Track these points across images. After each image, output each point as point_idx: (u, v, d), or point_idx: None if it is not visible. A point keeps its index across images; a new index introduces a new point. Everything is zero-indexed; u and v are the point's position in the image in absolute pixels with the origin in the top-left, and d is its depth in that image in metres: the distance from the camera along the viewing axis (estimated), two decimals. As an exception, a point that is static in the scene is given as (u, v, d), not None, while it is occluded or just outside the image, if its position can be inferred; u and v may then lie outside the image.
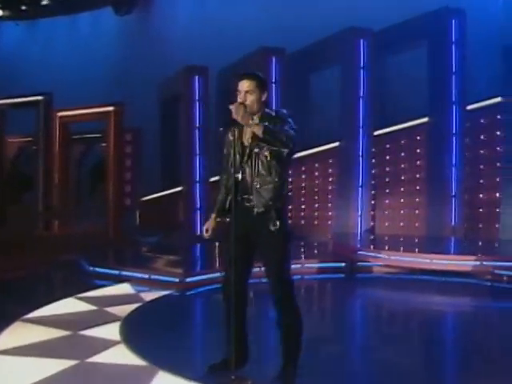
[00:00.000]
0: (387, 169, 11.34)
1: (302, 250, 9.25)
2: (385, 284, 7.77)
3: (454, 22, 10.08)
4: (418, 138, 11.00)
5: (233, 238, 3.47)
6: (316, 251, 9.45)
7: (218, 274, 7.01)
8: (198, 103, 11.78)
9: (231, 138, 3.66)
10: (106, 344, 4.64)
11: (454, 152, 10.24)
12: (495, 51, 9.66)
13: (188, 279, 7.18)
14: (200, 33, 14.89)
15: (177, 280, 7.12)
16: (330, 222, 11.52)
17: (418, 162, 11.02)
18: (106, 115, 11.87)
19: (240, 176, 3.57)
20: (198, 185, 11.85)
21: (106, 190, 11.92)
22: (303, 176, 12.04)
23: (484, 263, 7.62)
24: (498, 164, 10.08)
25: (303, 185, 12.02)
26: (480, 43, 10.12)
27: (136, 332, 5.06)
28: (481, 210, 10.37)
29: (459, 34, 10.09)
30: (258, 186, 3.56)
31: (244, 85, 3.58)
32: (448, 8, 10.01)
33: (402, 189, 11.20)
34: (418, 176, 11.02)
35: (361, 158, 10.74)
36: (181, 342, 4.81)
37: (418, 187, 11.00)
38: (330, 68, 11.44)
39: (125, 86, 15.37)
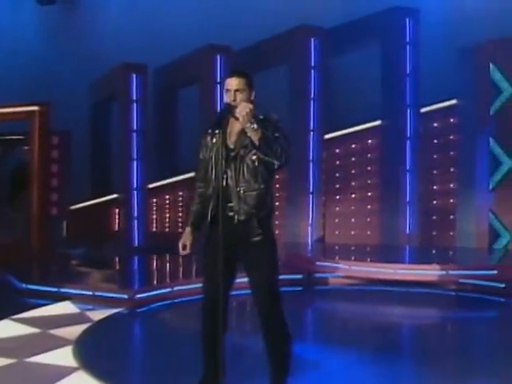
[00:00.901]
0: (337, 174, 11.35)
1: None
2: (345, 296, 7.76)
3: (408, 21, 10.18)
4: (370, 141, 11.07)
5: (220, 250, 3.34)
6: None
7: (168, 290, 6.99)
8: (135, 104, 11.40)
9: (214, 140, 3.58)
10: (62, 371, 4.32)
11: (407, 156, 10.34)
12: (450, 53, 9.71)
13: (138, 295, 6.87)
14: (134, 26, 14.41)
15: (125, 297, 6.80)
16: (278, 232, 11.16)
17: (369, 168, 11.10)
18: (30, 115, 11.31)
19: (221, 182, 3.48)
20: (135, 192, 11.46)
21: (29, 198, 11.33)
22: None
23: (450, 272, 7.69)
24: (452, 169, 10.21)
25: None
26: (435, 44, 10.23)
27: (93, 356, 4.79)
28: (435, 217, 10.51)
29: (413, 34, 10.19)
30: (242, 192, 3.50)
31: (233, 82, 3.53)
32: (402, 7, 10.13)
33: (352, 195, 11.25)
34: (369, 182, 11.09)
35: (311, 163, 10.70)
36: (145, 363, 4.64)
37: (369, 194, 11.07)
38: (277, 67, 11.33)
39: (51, 83, 14.71)
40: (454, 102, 10.08)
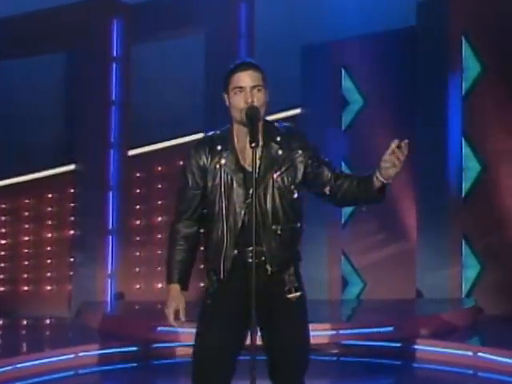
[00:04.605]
0: (138, 206, 10.74)
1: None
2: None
3: (242, 10, 10.11)
4: (180, 162, 10.40)
5: (253, 317, 3.19)
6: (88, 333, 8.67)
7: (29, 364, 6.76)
8: None
9: (223, 162, 3.41)
10: None
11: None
12: (294, 53, 9.77)
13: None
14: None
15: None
16: (63, 287, 10.51)
17: None
18: None
19: (240, 218, 3.37)
20: None
21: None
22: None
23: (340, 332, 7.53)
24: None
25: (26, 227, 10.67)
26: (276, 42, 9.93)
27: None
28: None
29: (248, 27, 10.11)
30: (280, 232, 3.38)
31: (250, 77, 3.36)
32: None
33: (159, 235, 10.62)
34: None
35: (111, 191, 10.07)
36: None
37: None
38: (55, 55, 10.59)
39: None
40: (297, 111, 10.12)
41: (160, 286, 10.50)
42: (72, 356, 7.21)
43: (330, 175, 3.38)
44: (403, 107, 9.50)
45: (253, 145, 3.21)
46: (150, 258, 10.59)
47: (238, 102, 3.32)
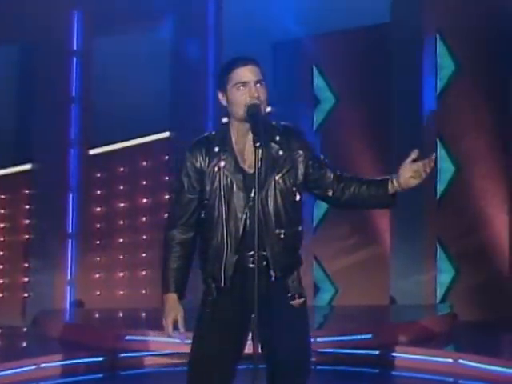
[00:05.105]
0: (98, 209, 10.55)
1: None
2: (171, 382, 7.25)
3: (210, 2, 9.99)
4: (146, 162, 10.43)
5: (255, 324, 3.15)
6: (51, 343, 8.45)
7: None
8: None
9: (222, 164, 3.38)
10: None
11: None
12: (263, 48, 9.44)
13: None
14: None
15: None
16: (25, 294, 10.20)
17: (145, 200, 10.51)
18: None
19: (241, 222, 3.35)
20: None
21: None
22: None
23: (317, 340, 7.31)
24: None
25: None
26: (242, 38, 9.67)
27: None
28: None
29: (215, 21, 10.01)
30: (283, 236, 3.36)
31: (252, 72, 3.35)
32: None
33: (120, 239, 10.52)
34: (144, 219, 10.50)
35: (71, 193, 9.86)
36: None
37: (145, 237, 10.46)
38: (10, 47, 10.34)
39: None
40: (267, 109, 9.76)
41: (122, 292, 10.50)
42: (33, 367, 7.08)
43: (332, 177, 3.38)
44: (376, 106, 9.47)
45: (257, 144, 3.18)
46: (111, 263, 10.52)
47: (241, 98, 3.29)
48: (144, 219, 10.46)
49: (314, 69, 9.81)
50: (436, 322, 8.35)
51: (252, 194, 3.31)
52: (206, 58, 9.98)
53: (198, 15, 10.00)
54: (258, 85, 3.35)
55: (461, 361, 6.99)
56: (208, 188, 3.39)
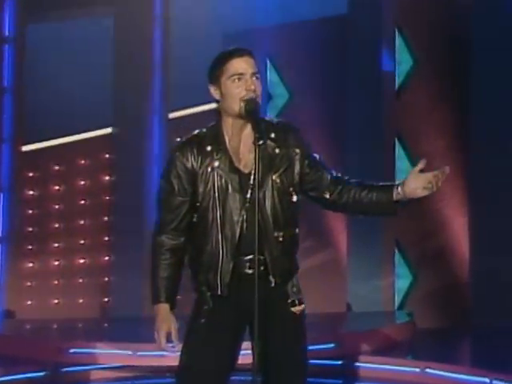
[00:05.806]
0: (31, 211, 10.54)
1: None
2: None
3: None
4: (85, 160, 10.43)
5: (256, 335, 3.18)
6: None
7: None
8: None
9: (216, 164, 3.36)
10: None
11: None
12: (214, 39, 9.26)
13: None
14: None
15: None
16: None
17: (83, 202, 10.54)
18: None
19: (237, 226, 3.34)
20: None
21: None
22: None
23: None
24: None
25: None
26: (195, 27, 9.76)
27: None
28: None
29: (162, 8, 9.93)
30: (281, 239, 3.36)
31: (248, 64, 3.34)
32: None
33: (55, 244, 10.52)
34: (82, 223, 10.53)
35: (1, 193, 9.69)
36: None
37: (82, 241, 10.52)
38: None
39: None
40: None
41: (56, 301, 10.48)
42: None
43: (329, 179, 3.38)
44: (332, 103, 9.35)
45: (260, 142, 3.18)
46: (45, 269, 10.56)
47: (237, 91, 3.25)
48: (82, 222, 10.52)
49: (268, 62, 9.69)
50: (397, 330, 8.28)
51: (248, 195, 3.31)
52: (152, 49, 9.90)
53: (144, 3, 9.87)
54: (254, 77, 3.32)
55: (428, 370, 6.90)
56: (201, 189, 3.35)
